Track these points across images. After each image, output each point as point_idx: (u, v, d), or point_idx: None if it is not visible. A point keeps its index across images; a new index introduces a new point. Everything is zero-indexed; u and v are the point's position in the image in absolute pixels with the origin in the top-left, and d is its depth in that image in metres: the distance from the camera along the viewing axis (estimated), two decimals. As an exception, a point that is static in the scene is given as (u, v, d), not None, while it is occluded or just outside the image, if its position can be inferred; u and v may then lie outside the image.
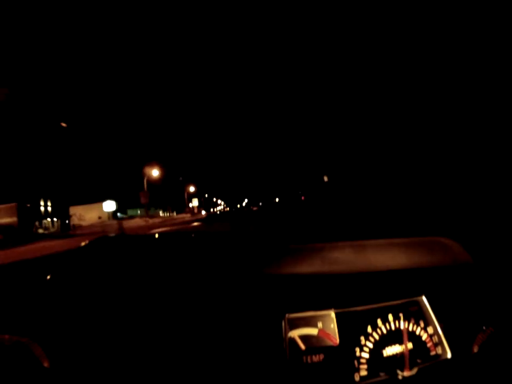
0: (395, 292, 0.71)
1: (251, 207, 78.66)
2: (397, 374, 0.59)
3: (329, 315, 0.64)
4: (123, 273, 0.69)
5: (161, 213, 55.71)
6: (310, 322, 0.63)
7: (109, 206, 38.09)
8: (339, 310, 0.65)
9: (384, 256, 0.77)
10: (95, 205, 39.26)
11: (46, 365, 0.51)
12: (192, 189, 50.14)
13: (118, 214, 41.43)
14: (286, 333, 0.61)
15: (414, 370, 0.60)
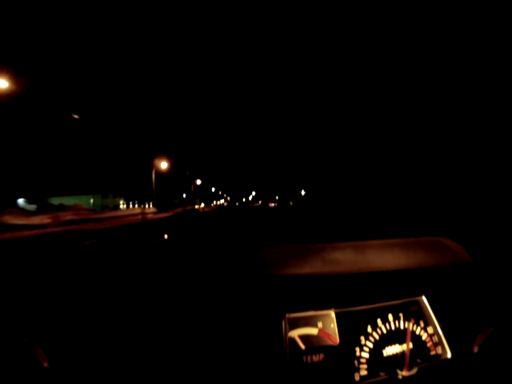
0: (395, 292, 0.71)
1: (268, 203, 59.71)
2: (397, 374, 0.59)
3: (329, 315, 0.64)
4: (123, 274, 0.69)
5: (122, 205, 34.21)
6: (310, 322, 0.63)
7: None
8: (339, 310, 0.65)
9: (384, 257, 0.77)
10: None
11: (46, 365, 0.51)
12: (164, 165, 26.24)
13: (20, 201, 22.25)
14: (286, 333, 0.61)
15: (414, 370, 0.60)
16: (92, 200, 29.90)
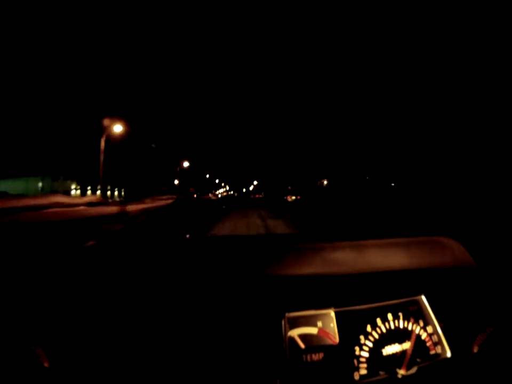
0: (395, 291, 0.71)
1: (287, 196, 41.90)
2: (397, 373, 0.59)
3: (329, 314, 0.64)
4: (123, 273, 0.69)
5: (74, 190, 26.94)
6: (309, 321, 0.63)
7: None
8: (339, 309, 0.65)
9: (384, 256, 0.77)
10: None
11: (46, 365, 0.51)
12: (118, 128, 16.40)
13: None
14: (286, 332, 0.61)
15: (414, 369, 0.60)
16: (40, 184, 24.53)
